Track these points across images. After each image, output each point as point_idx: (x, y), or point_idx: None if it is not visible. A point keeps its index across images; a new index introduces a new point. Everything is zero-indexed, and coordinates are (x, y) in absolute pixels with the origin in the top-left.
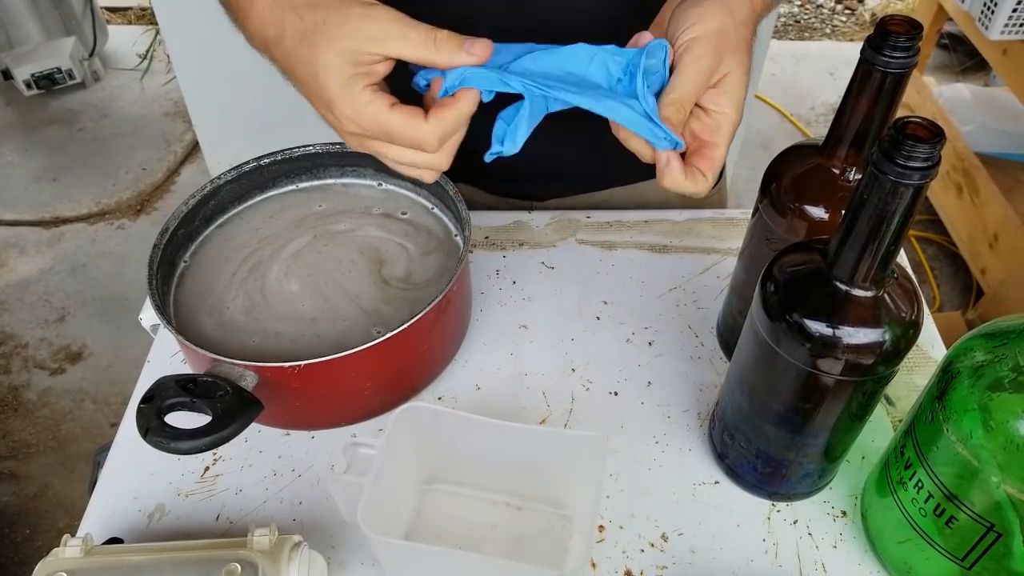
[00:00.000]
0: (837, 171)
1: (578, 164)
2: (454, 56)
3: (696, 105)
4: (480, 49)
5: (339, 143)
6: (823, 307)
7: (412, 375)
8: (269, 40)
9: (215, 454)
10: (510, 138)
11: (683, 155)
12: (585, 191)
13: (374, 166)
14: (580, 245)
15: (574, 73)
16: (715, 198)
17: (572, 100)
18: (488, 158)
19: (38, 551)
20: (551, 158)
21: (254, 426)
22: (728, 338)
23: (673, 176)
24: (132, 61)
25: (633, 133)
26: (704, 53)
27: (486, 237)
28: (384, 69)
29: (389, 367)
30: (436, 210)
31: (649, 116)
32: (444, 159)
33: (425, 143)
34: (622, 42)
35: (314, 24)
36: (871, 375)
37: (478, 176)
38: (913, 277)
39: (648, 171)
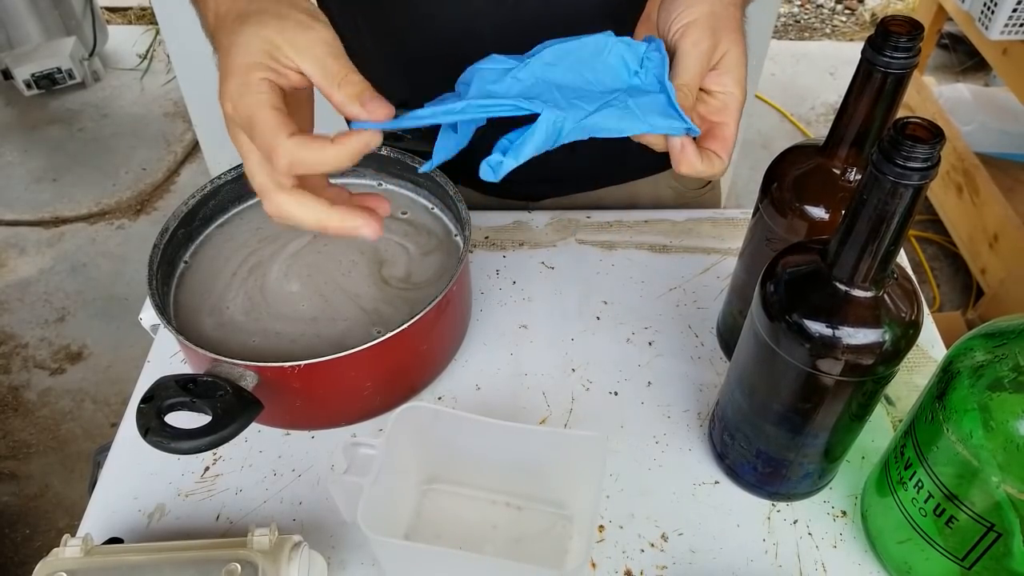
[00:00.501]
0: (837, 171)
1: (571, 164)
2: (347, 104)
3: (700, 89)
4: (377, 109)
5: None
6: (823, 307)
7: (412, 375)
8: (218, 13)
9: (215, 454)
10: (512, 153)
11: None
12: (579, 191)
13: (374, 166)
14: (580, 245)
15: (588, 76)
16: (709, 196)
17: (588, 129)
18: (483, 174)
19: (38, 551)
20: (545, 159)
21: (254, 426)
22: (728, 338)
23: (690, 161)
24: (132, 61)
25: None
26: (701, 36)
27: (486, 237)
28: (296, 80)
29: (389, 367)
30: (436, 210)
31: (672, 105)
32: (284, 198)
33: (275, 154)
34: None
35: (258, 11)
36: (871, 375)
37: (471, 176)
38: (913, 277)
39: (640, 170)
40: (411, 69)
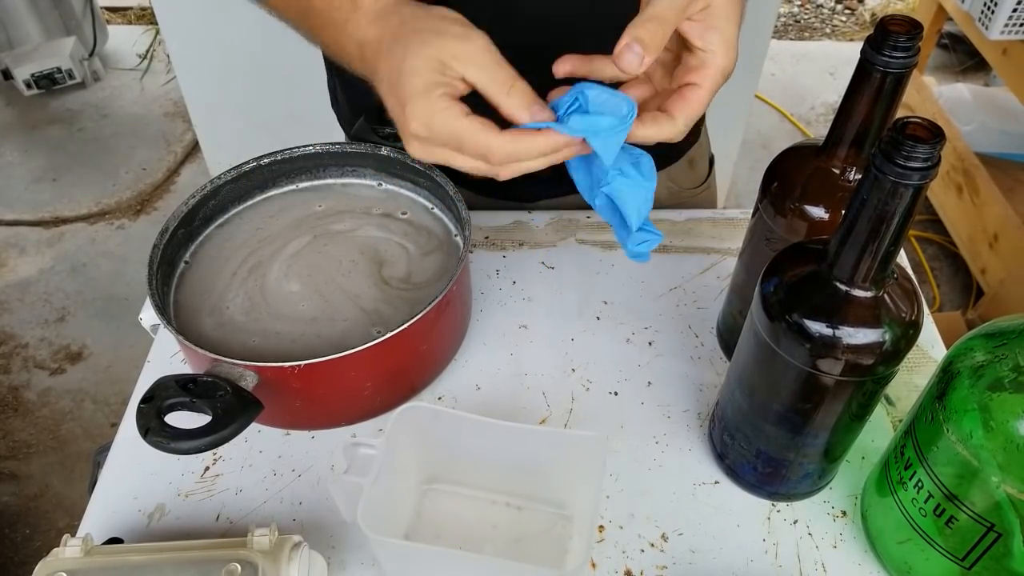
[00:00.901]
0: (837, 171)
1: (557, 169)
2: (518, 112)
3: (682, 40)
4: (542, 117)
5: (339, 143)
6: (823, 307)
7: (412, 375)
8: (366, 40)
9: (215, 454)
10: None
11: (660, 104)
12: (575, 191)
13: (374, 166)
14: (580, 245)
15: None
16: (705, 195)
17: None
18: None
19: (38, 551)
20: None
21: (254, 426)
22: (728, 338)
23: (631, 132)
24: (132, 61)
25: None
26: None
27: (486, 237)
28: (464, 88)
29: (389, 367)
30: (436, 210)
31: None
32: (507, 172)
33: (492, 153)
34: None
35: (413, 31)
36: (871, 375)
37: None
38: (913, 277)
39: None
40: None
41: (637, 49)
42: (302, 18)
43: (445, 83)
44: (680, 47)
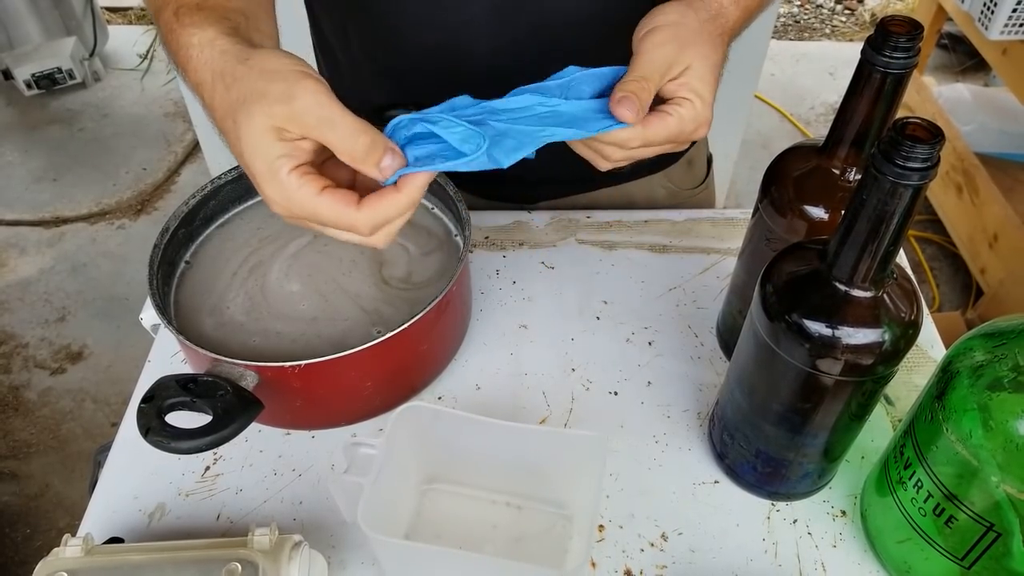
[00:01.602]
0: (837, 171)
1: (566, 167)
2: (365, 166)
3: (661, 98)
4: (393, 165)
5: None
6: (822, 307)
7: (412, 375)
8: (204, 102)
9: (215, 454)
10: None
11: None
12: (574, 193)
13: None
14: (580, 245)
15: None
16: (704, 195)
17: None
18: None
19: (39, 551)
20: (540, 162)
21: (254, 426)
22: (728, 338)
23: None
24: (132, 61)
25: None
26: (663, 39)
27: (486, 237)
28: (309, 146)
29: (389, 367)
30: (436, 210)
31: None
32: (380, 241)
33: (357, 229)
34: (621, 47)
35: (237, 99)
36: (870, 375)
37: (468, 178)
38: (912, 277)
39: (634, 172)
40: (399, 76)
41: (635, 101)
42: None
43: (287, 153)
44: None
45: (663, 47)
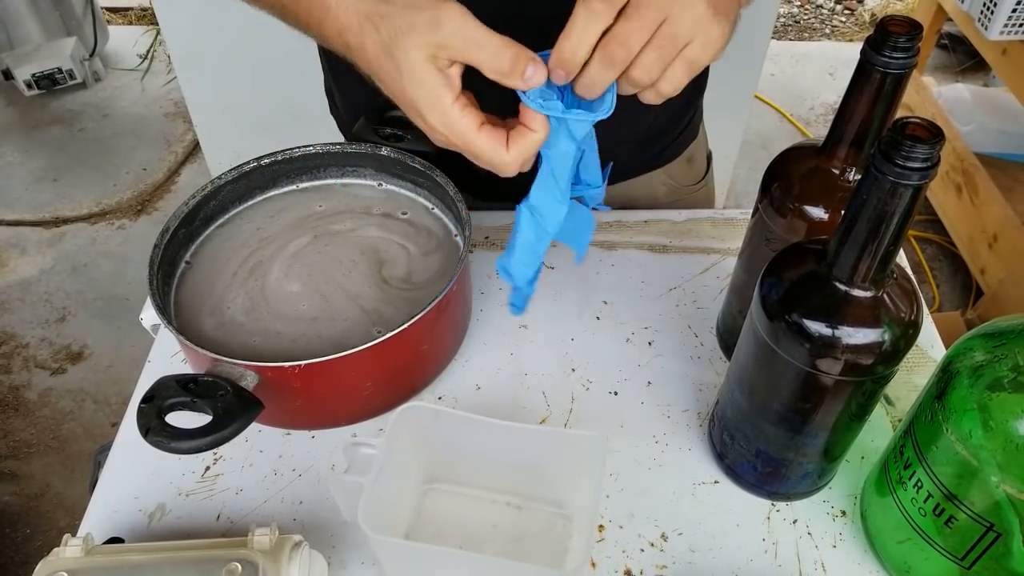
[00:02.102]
0: (837, 171)
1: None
2: (512, 79)
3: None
4: (537, 75)
5: (339, 143)
6: (822, 307)
7: (412, 375)
8: (351, 47)
9: (216, 454)
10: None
11: None
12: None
13: (374, 166)
14: None
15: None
16: (703, 192)
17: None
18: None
19: (39, 551)
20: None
21: (254, 426)
22: (728, 338)
23: None
24: (133, 61)
25: None
26: None
27: (486, 237)
28: (457, 72)
29: (389, 367)
30: (436, 210)
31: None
32: (516, 170)
33: (504, 168)
34: None
35: (389, 36)
36: (870, 375)
37: (464, 180)
38: (912, 277)
39: (634, 170)
40: None
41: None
42: (284, 13)
43: (446, 83)
44: None
45: None
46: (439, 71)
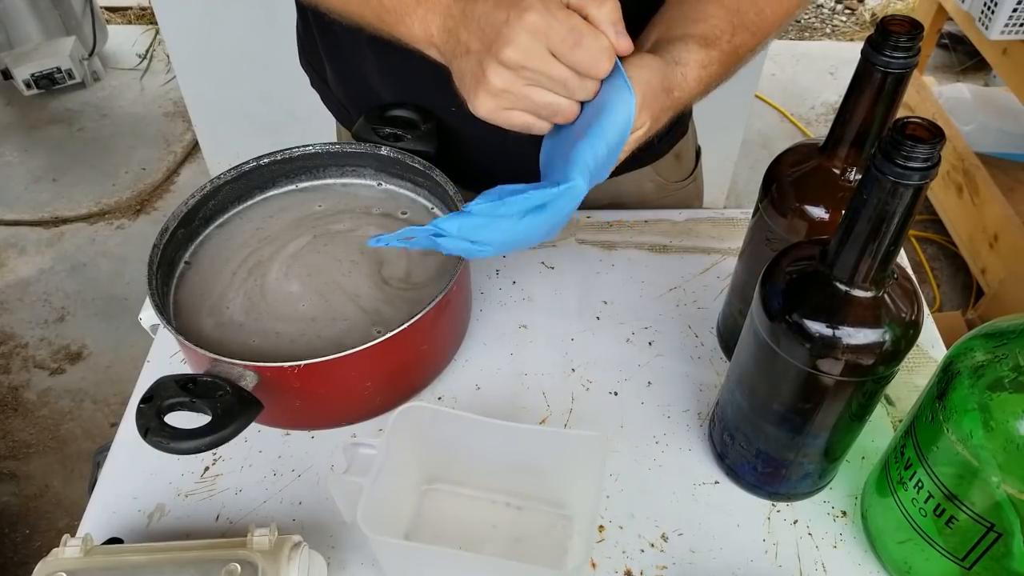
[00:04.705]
0: (837, 171)
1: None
2: (606, 24)
3: None
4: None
5: (339, 143)
6: (823, 307)
7: (412, 375)
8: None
9: (215, 454)
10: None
11: None
12: None
13: (374, 166)
14: (580, 245)
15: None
16: (692, 188)
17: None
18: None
19: (38, 551)
20: (530, 164)
21: (254, 426)
22: (728, 338)
23: None
24: (132, 61)
25: None
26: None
27: None
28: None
29: (389, 367)
30: (436, 210)
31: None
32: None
33: (606, 53)
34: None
35: None
36: (871, 375)
37: (467, 178)
38: (913, 277)
39: (620, 168)
40: (403, 75)
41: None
42: None
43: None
44: None
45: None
46: None
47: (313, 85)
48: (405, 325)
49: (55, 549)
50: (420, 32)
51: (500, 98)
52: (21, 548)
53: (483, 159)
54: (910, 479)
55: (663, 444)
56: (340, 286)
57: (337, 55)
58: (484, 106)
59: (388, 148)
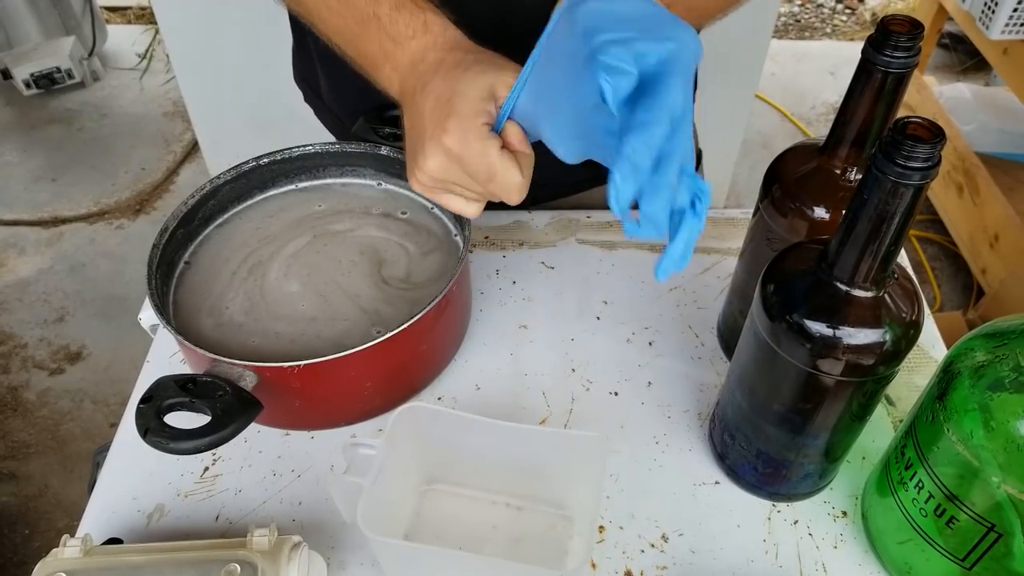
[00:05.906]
0: (838, 171)
1: (553, 170)
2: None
3: None
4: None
5: (339, 143)
6: (823, 307)
7: (412, 375)
8: (426, 59)
9: (214, 454)
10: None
11: None
12: (560, 196)
13: (374, 166)
14: (580, 245)
15: None
16: None
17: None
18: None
19: (37, 551)
20: (536, 167)
21: (254, 426)
22: (728, 338)
23: None
24: (131, 61)
25: None
26: None
27: (486, 237)
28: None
29: (389, 367)
30: (436, 210)
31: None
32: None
33: (517, 190)
34: None
35: (476, 61)
36: (872, 375)
37: None
38: (913, 277)
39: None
40: None
41: None
42: (336, 16)
43: (488, 112)
44: None
45: None
46: (489, 102)
47: (307, 100)
48: (405, 325)
49: (54, 549)
50: (387, 87)
51: (427, 187)
52: (20, 548)
53: None
54: (911, 479)
55: (663, 444)
56: (340, 286)
57: (332, 64)
58: (415, 185)
59: (388, 148)
